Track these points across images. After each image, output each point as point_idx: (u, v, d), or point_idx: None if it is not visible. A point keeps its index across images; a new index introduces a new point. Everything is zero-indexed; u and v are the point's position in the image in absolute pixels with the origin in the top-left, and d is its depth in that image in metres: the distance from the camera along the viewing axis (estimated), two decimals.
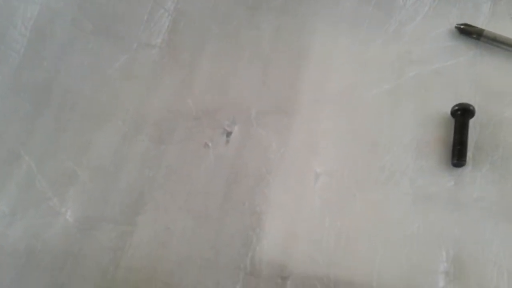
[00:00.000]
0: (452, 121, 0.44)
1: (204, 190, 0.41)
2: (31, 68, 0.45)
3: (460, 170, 0.42)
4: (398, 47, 0.48)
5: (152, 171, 0.42)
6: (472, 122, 0.44)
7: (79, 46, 0.47)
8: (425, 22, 0.50)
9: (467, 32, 0.48)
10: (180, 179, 0.42)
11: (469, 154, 0.43)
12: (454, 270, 0.38)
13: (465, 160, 0.42)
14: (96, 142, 0.43)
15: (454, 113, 0.44)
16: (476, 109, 0.44)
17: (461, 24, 0.49)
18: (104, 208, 0.40)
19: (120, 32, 0.47)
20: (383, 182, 0.42)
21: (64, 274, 0.38)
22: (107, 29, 0.47)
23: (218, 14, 0.49)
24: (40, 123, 0.44)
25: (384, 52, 0.48)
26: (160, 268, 0.38)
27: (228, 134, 0.44)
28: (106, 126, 0.44)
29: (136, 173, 0.42)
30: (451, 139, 0.43)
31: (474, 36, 0.48)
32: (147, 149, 0.43)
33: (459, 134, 0.43)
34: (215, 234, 0.39)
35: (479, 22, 0.49)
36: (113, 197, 0.41)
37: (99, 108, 0.44)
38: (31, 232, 0.39)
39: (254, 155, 0.43)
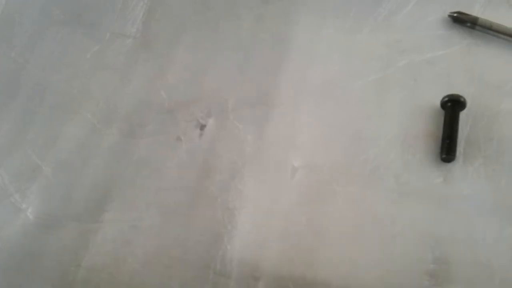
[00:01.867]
0: (442, 113, 0.41)
1: (174, 185, 0.39)
2: None
3: (449, 165, 0.39)
4: (387, 36, 0.46)
5: (121, 166, 0.40)
6: (463, 114, 0.41)
7: (49, 36, 0.45)
8: (416, 10, 0.48)
9: (461, 20, 0.46)
10: (150, 174, 0.40)
11: (460, 148, 0.40)
12: (441, 272, 0.35)
13: (454, 155, 0.39)
14: (63, 136, 0.41)
15: (444, 104, 0.41)
16: (469, 101, 0.41)
17: (455, 12, 0.46)
18: (67, 205, 0.38)
19: (92, 21, 0.45)
20: (366, 177, 0.39)
21: (21, 274, 0.36)
22: (79, 18, 0.45)
23: (197, 1, 0.47)
24: (6, 115, 0.42)
25: (372, 41, 0.46)
26: (124, 268, 0.36)
27: (202, 127, 0.41)
28: (74, 119, 0.42)
29: (104, 168, 0.40)
30: (441, 133, 0.41)
31: (468, 24, 0.46)
32: (117, 142, 0.41)
33: (448, 127, 0.40)
34: (184, 231, 0.37)
35: (475, 10, 0.47)
36: (78, 193, 0.39)
37: (68, 100, 0.42)
38: None
39: (229, 149, 0.40)
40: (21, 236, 0.37)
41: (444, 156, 0.39)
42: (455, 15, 0.46)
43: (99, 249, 0.37)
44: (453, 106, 0.41)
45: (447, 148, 0.39)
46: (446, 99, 0.41)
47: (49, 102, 0.42)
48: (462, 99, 0.41)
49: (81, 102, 0.42)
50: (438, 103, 0.42)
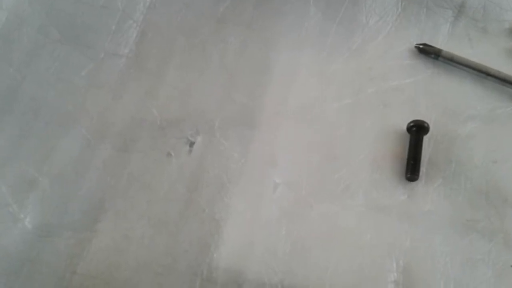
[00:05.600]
0: (407, 136, 0.46)
1: (164, 198, 0.42)
2: None
3: (413, 184, 0.44)
4: (360, 63, 0.50)
5: (113, 179, 0.43)
6: (427, 138, 0.46)
7: (46, 53, 0.47)
8: (386, 41, 0.52)
9: (426, 51, 0.51)
10: (142, 187, 0.42)
11: (423, 169, 0.44)
12: (404, 279, 0.39)
13: (418, 175, 0.44)
14: (59, 150, 0.43)
15: (409, 129, 0.46)
16: (431, 125, 0.46)
17: (421, 44, 0.51)
18: (63, 215, 0.41)
19: (88, 41, 0.48)
20: (339, 194, 0.43)
21: (20, 279, 0.38)
22: (75, 38, 0.48)
23: (186, 26, 0.51)
24: (3, 129, 0.44)
25: (346, 68, 0.50)
26: (117, 274, 0.39)
27: (191, 144, 0.45)
28: (69, 134, 0.44)
29: (98, 181, 0.42)
30: (406, 154, 0.45)
31: (433, 55, 0.50)
32: (110, 157, 0.44)
33: (413, 149, 0.45)
34: (173, 241, 0.40)
35: (438, 42, 0.52)
36: (73, 204, 0.41)
37: (63, 115, 0.45)
38: None
39: (216, 165, 0.44)
40: (19, 244, 0.39)
41: (409, 175, 0.44)
42: (421, 46, 0.51)
43: (93, 257, 0.39)
44: (417, 130, 0.45)
45: (412, 169, 0.44)
46: (412, 124, 0.45)
47: (44, 117, 0.45)
48: (426, 125, 0.45)
49: (75, 117, 0.45)
50: (404, 127, 0.46)
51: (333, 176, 0.44)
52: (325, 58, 0.50)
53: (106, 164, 0.43)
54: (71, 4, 0.49)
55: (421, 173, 0.44)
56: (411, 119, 0.46)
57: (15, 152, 0.43)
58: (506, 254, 0.40)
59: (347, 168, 0.44)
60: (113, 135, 0.44)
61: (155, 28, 0.50)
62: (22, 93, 0.45)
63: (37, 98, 0.45)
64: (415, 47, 0.51)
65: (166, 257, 0.39)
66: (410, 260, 0.40)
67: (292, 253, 0.40)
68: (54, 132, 0.44)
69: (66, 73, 0.47)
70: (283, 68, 0.49)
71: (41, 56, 0.47)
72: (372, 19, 0.53)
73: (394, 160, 0.45)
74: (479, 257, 0.40)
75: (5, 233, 0.40)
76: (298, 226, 0.41)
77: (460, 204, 0.43)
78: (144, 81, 0.47)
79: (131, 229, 0.41)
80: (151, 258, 0.39)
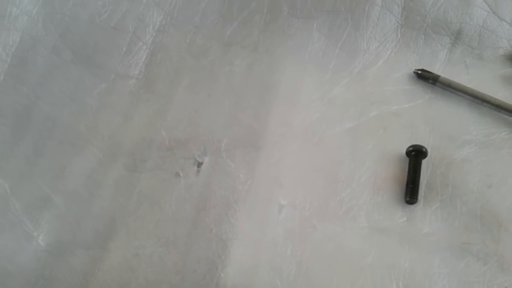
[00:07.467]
0: (406, 160, 0.48)
1: (173, 217, 0.43)
2: (11, 94, 0.47)
3: (412, 207, 0.45)
4: (361, 88, 0.52)
5: (124, 198, 0.44)
6: (425, 162, 0.47)
7: (59, 74, 0.49)
8: (386, 66, 0.53)
9: (424, 77, 0.52)
10: (151, 207, 0.44)
11: (421, 192, 0.46)
12: None
13: (416, 198, 0.45)
14: (72, 168, 0.45)
15: (408, 153, 0.47)
16: (429, 150, 0.47)
17: (419, 70, 0.52)
18: (76, 233, 0.42)
19: (99, 62, 0.50)
20: (342, 216, 0.45)
21: None
22: (87, 59, 0.50)
23: (194, 48, 0.52)
24: (17, 147, 0.45)
25: (348, 93, 0.51)
26: None
27: (199, 164, 0.46)
28: (82, 153, 0.46)
29: (109, 200, 0.44)
30: (405, 177, 0.47)
31: (431, 81, 0.52)
32: (121, 176, 0.45)
33: (412, 173, 0.46)
34: (182, 260, 0.42)
35: (436, 68, 0.53)
36: (85, 223, 0.43)
37: (76, 135, 0.46)
38: (4, 254, 0.41)
39: (223, 185, 0.45)
40: (33, 262, 0.40)
41: (408, 198, 0.45)
42: (419, 72, 0.52)
43: (105, 275, 0.40)
44: (416, 155, 0.47)
45: (411, 192, 0.45)
46: (411, 148, 0.47)
47: (58, 136, 0.46)
48: (424, 149, 0.47)
49: (88, 137, 0.46)
50: (403, 151, 0.48)
51: (336, 198, 0.45)
52: (328, 81, 0.52)
53: (117, 184, 0.45)
54: (84, 26, 0.51)
55: (419, 196, 0.46)
56: (410, 144, 0.47)
57: (30, 170, 0.44)
58: (501, 276, 0.42)
59: (349, 190, 0.46)
60: (124, 155, 0.46)
61: (164, 50, 0.51)
62: (36, 113, 0.47)
63: (50, 117, 0.47)
64: (414, 72, 0.53)
65: (175, 276, 0.41)
66: (409, 282, 0.42)
67: (297, 274, 0.42)
68: (67, 151, 0.45)
69: (78, 93, 0.48)
70: (288, 90, 0.51)
71: (55, 77, 0.48)
72: (373, 45, 0.54)
73: (394, 183, 0.47)
74: (474, 280, 0.42)
75: (19, 251, 0.41)
76: (303, 247, 0.43)
77: (456, 227, 0.44)
78: (153, 102, 0.49)
79: (141, 247, 0.42)
80: (161, 276, 0.41)
